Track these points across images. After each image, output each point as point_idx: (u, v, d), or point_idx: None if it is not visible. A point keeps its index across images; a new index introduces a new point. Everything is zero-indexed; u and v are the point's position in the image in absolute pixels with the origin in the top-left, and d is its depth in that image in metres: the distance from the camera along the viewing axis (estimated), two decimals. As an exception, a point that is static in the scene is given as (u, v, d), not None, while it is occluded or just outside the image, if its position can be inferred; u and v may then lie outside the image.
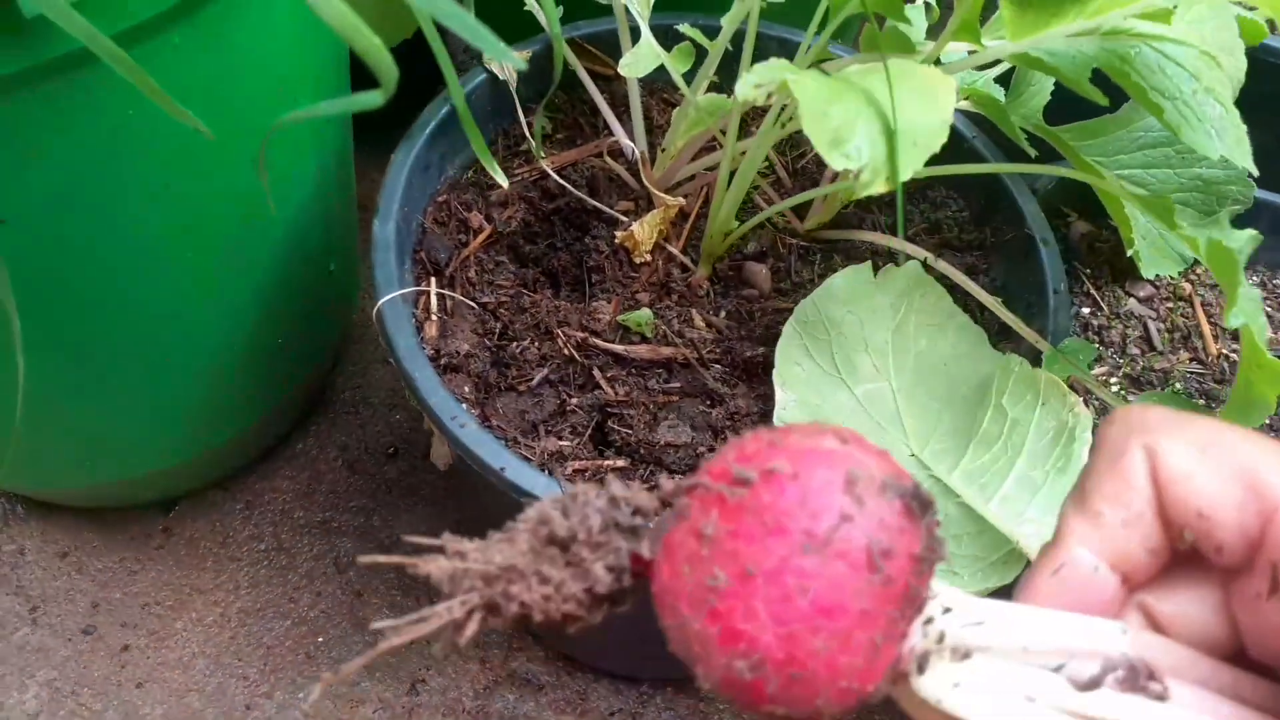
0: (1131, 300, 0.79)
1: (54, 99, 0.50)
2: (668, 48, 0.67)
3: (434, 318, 0.64)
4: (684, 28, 0.67)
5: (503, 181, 0.64)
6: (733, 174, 0.64)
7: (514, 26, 0.74)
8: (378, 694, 0.84)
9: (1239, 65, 0.60)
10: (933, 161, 0.47)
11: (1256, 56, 0.62)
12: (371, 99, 0.33)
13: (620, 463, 0.59)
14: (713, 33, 0.66)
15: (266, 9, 0.58)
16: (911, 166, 0.46)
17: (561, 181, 0.70)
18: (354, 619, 0.87)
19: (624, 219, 0.69)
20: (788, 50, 0.76)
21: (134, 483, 0.85)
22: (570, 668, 0.86)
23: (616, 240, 0.67)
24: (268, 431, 0.92)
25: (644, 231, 0.66)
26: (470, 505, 0.80)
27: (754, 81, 0.45)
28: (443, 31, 1.29)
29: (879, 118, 0.46)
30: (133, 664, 0.84)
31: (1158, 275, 0.75)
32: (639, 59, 0.63)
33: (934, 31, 0.66)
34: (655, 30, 0.67)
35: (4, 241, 0.54)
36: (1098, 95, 0.56)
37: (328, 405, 0.99)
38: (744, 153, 0.64)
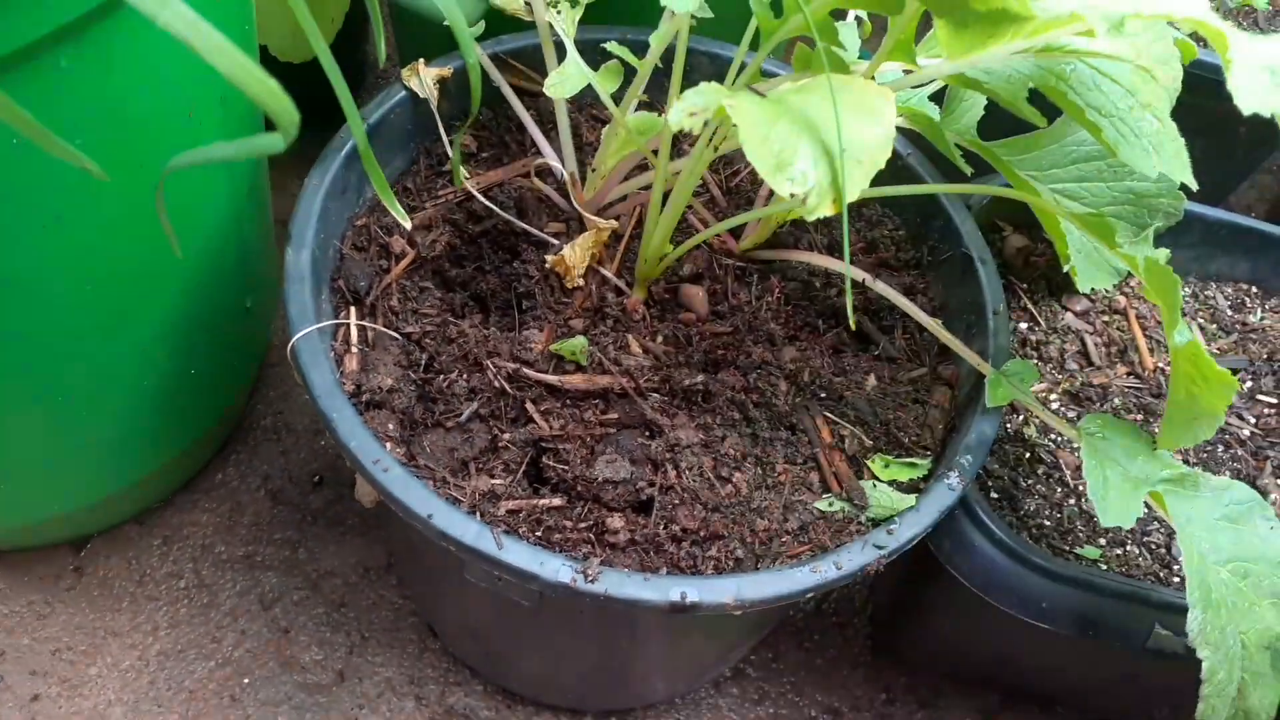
0: (1068, 314, 0.78)
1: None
2: (595, 64, 0.64)
3: (354, 350, 0.61)
4: (611, 45, 0.65)
5: (405, 224, 0.61)
6: (666, 195, 0.62)
7: (437, 40, 0.71)
8: (308, 737, 0.80)
9: (1175, 77, 0.59)
10: (873, 181, 0.46)
11: (1186, 71, 0.61)
12: (272, 142, 0.30)
13: (556, 501, 0.57)
14: (641, 49, 0.63)
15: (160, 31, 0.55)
16: (858, 186, 0.44)
17: (488, 204, 0.67)
18: (281, 658, 0.83)
19: (554, 241, 0.67)
20: (718, 66, 0.74)
21: (47, 523, 0.80)
22: (510, 700, 0.83)
23: (547, 265, 0.64)
24: (184, 465, 0.88)
25: (575, 255, 0.64)
26: (399, 541, 0.77)
27: (687, 109, 0.43)
28: (358, 41, 1.24)
29: (819, 139, 0.44)
30: (43, 715, 0.79)
31: (1093, 289, 0.75)
32: (565, 79, 0.61)
33: (867, 45, 0.65)
34: (582, 46, 0.65)
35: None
36: (1036, 117, 0.55)
37: (248, 433, 0.95)
38: (677, 173, 0.61)
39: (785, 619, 0.91)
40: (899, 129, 0.68)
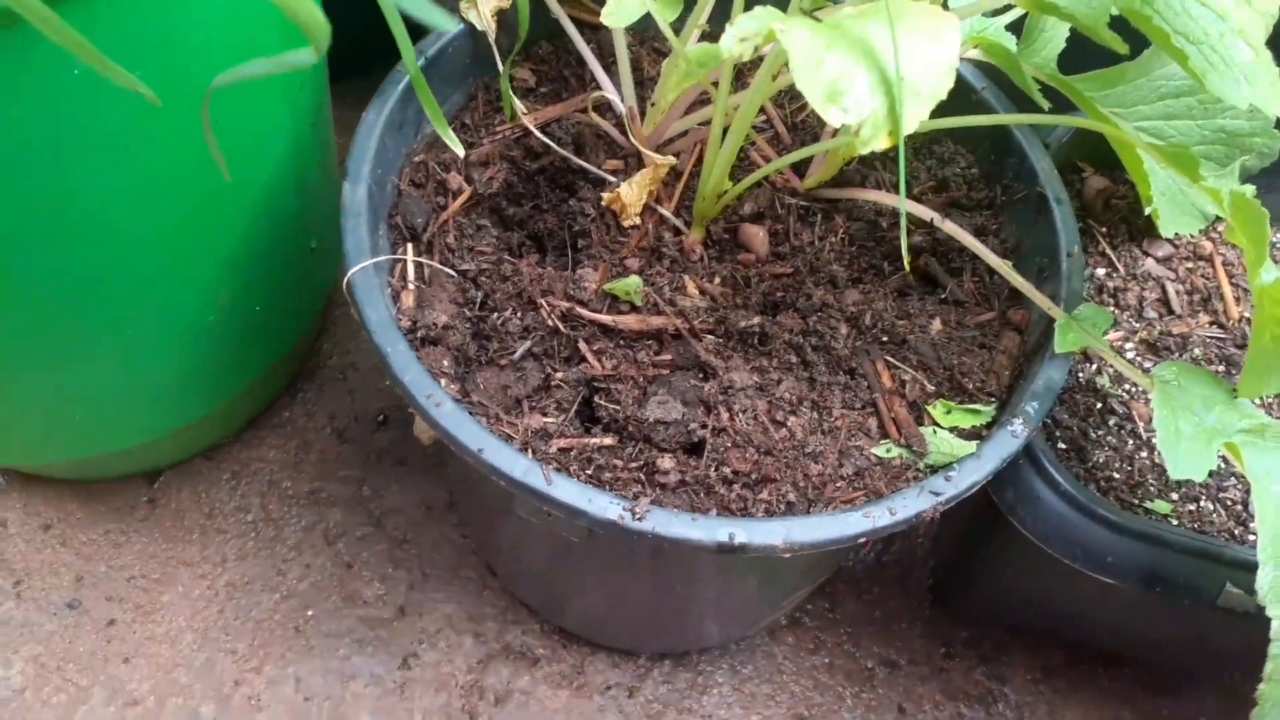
0: (1149, 260, 0.75)
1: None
2: (656, -5, 0.62)
3: (411, 287, 0.61)
4: (673, -28, 0.63)
5: (458, 151, 0.60)
6: (726, 130, 0.60)
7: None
8: (369, 669, 0.82)
9: (1272, 1, 0.55)
10: (939, 113, 0.44)
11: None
12: (305, 56, 0.30)
13: (608, 440, 0.56)
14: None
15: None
16: (916, 118, 0.42)
17: (545, 139, 0.66)
18: (344, 592, 0.85)
19: (612, 179, 0.66)
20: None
21: (116, 456, 0.83)
22: (567, 640, 0.84)
23: (603, 202, 0.63)
24: (252, 402, 0.90)
25: (632, 193, 0.62)
26: (457, 478, 0.77)
27: (738, 35, 0.41)
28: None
29: (877, 67, 0.42)
30: (119, 639, 0.83)
31: (1177, 234, 0.71)
32: (623, 7, 0.59)
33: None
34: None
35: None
36: (1118, 43, 0.51)
37: (315, 372, 0.96)
38: (738, 107, 0.60)
39: (844, 570, 0.90)
40: (973, 61, 0.66)
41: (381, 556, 0.87)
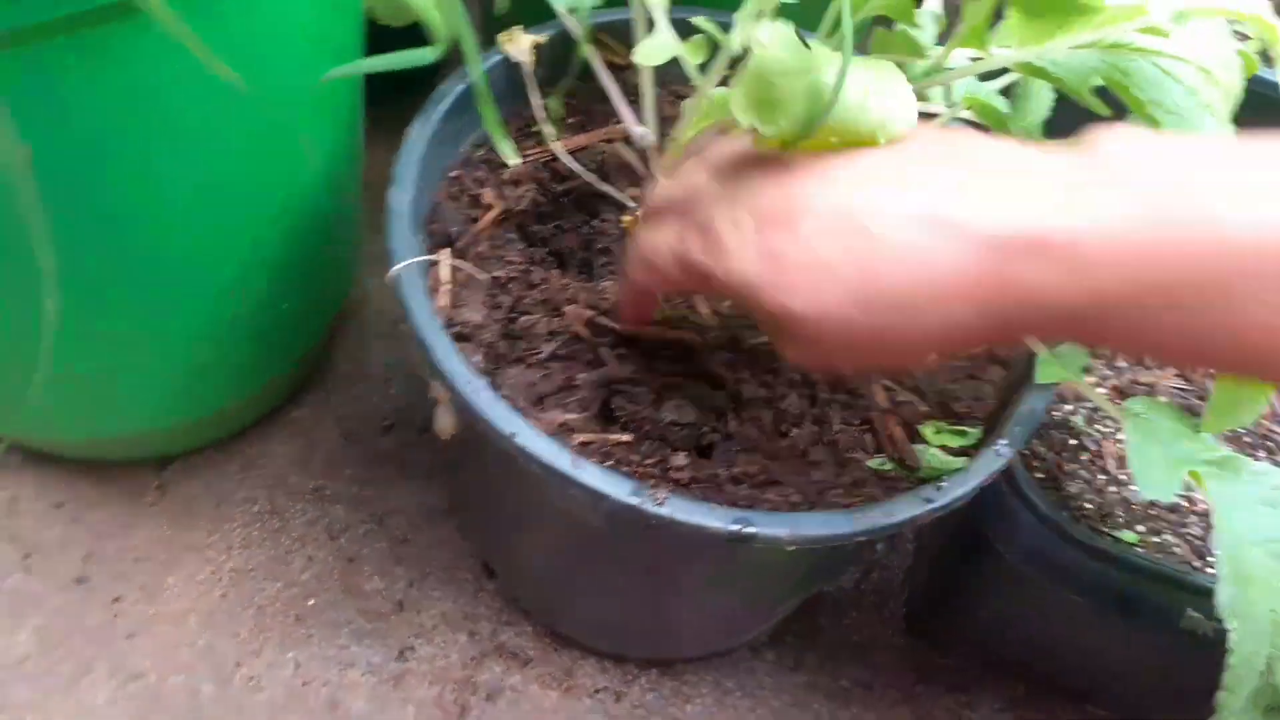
0: (1124, 313, 0.81)
1: (91, 47, 0.51)
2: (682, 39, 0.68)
3: (445, 288, 0.65)
4: (699, 20, 0.68)
5: (514, 159, 0.65)
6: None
7: (529, 8, 0.75)
8: (367, 658, 0.85)
9: (1235, 80, 0.62)
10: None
11: (1247, 88, 0.64)
12: (422, 55, 0.35)
13: (625, 437, 0.61)
14: (727, 28, 0.67)
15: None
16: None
17: (573, 163, 0.71)
18: (345, 584, 0.88)
19: (632, 204, 0.71)
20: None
21: (135, 439, 0.86)
22: (558, 644, 0.87)
23: (623, 223, 0.68)
24: (268, 398, 0.93)
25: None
26: (467, 477, 0.81)
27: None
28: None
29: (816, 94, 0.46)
30: (124, 615, 0.85)
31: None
32: (656, 47, 0.65)
33: (941, 40, 0.68)
34: (671, 23, 0.69)
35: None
36: (1100, 106, 0.57)
37: (325, 376, 1.00)
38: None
39: (824, 595, 0.94)
40: (966, 121, 0.72)
41: (382, 553, 0.90)
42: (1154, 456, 0.56)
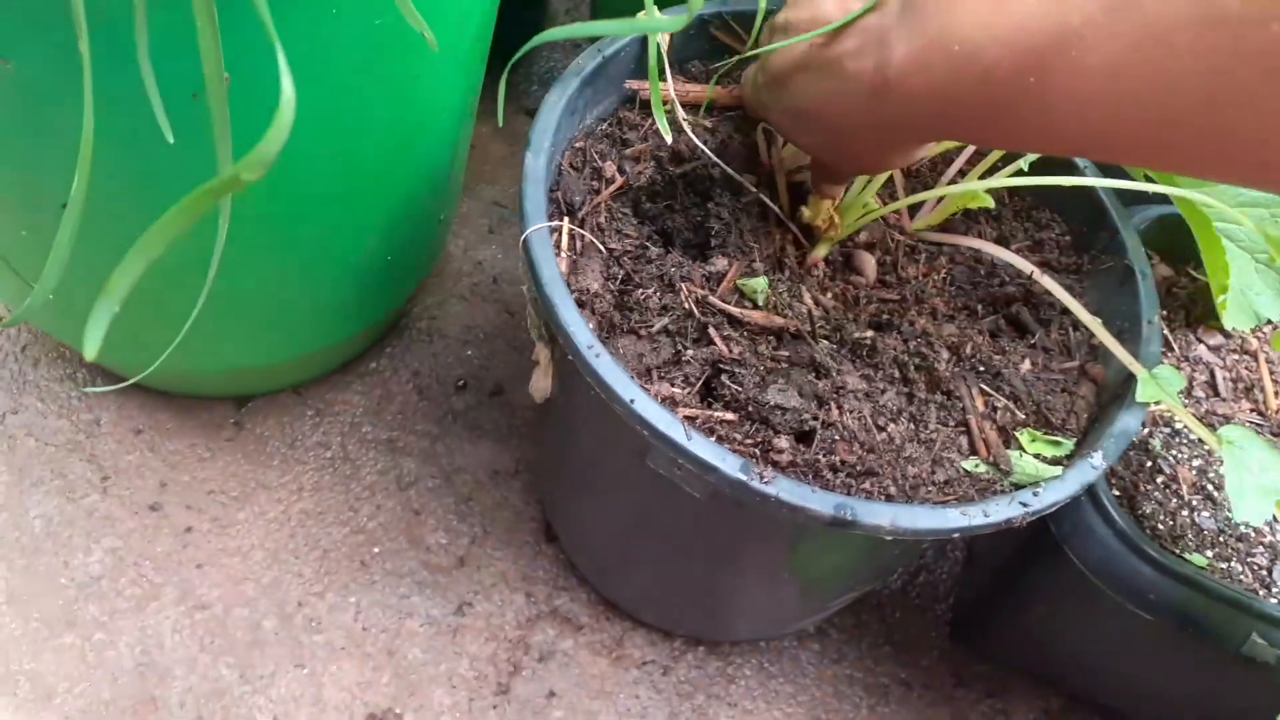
0: (1201, 347, 0.83)
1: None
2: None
3: (564, 255, 0.67)
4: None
5: (668, 138, 0.67)
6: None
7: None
8: (426, 610, 0.87)
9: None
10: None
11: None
12: (676, 22, 0.36)
13: (729, 415, 0.63)
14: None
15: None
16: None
17: (698, 142, 0.73)
18: (410, 535, 0.90)
19: (752, 190, 0.73)
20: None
21: (222, 374, 0.88)
22: (610, 613, 0.89)
23: (804, 218, 0.71)
24: (351, 347, 0.95)
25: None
26: (552, 440, 0.83)
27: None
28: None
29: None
30: (194, 545, 0.87)
31: (1234, 328, 0.79)
32: None
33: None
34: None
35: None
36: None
37: (404, 331, 1.02)
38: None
39: (871, 594, 0.96)
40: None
41: (448, 509, 0.92)
42: (1248, 483, 0.58)
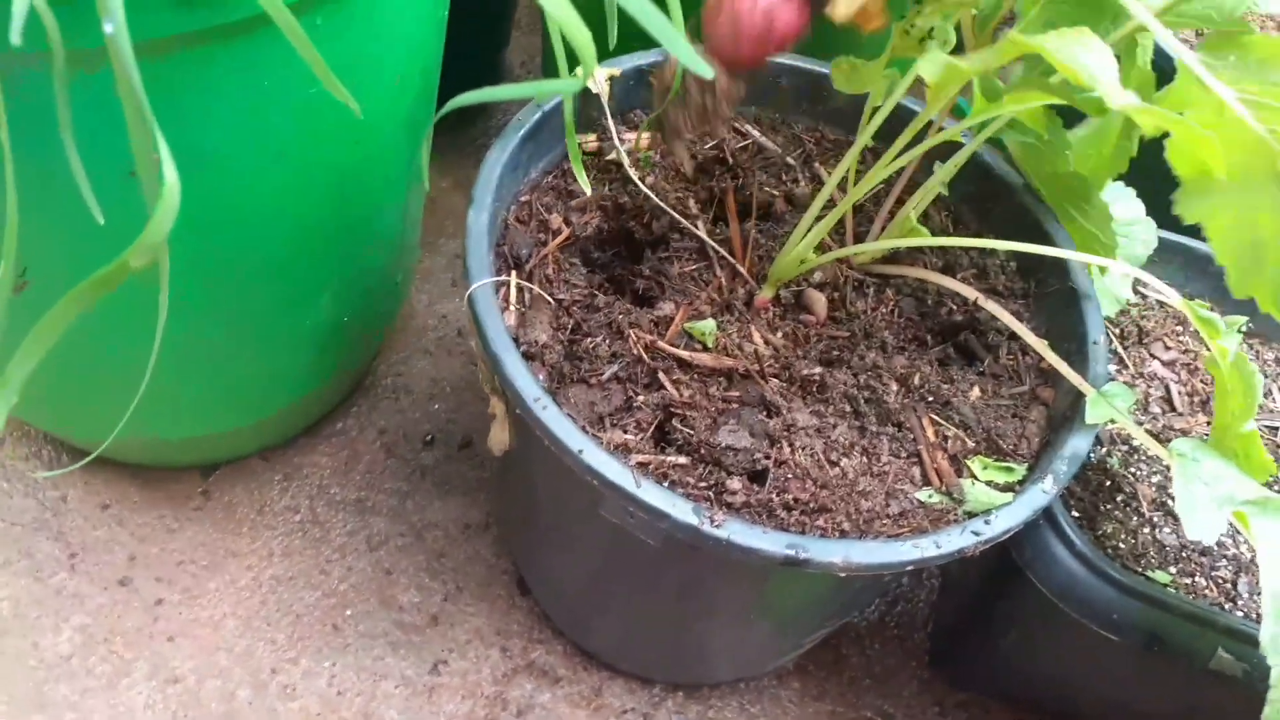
0: (1155, 363, 0.83)
1: (207, 60, 0.54)
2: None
3: (513, 308, 0.68)
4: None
5: (588, 191, 0.68)
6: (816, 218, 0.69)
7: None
8: (400, 671, 0.86)
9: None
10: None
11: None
12: (573, 84, 0.37)
13: (682, 460, 0.63)
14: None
15: (391, 5, 0.63)
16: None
17: (649, 193, 0.74)
18: (382, 596, 0.90)
19: (697, 233, 0.74)
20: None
21: (184, 443, 0.88)
22: (588, 663, 0.89)
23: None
24: (314, 408, 0.95)
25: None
26: (514, 492, 0.83)
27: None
28: (498, 49, 1.33)
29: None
30: (165, 618, 0.87)
31: (1183, 346, 0.81)
32: None
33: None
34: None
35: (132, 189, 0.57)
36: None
37: (370, 389, 1.02)
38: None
39: (849, 626, 0.95)
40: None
41: (419, 566, 0.92)
42: (1199, 498, 0.58)
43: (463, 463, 0.98)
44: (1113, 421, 0.64)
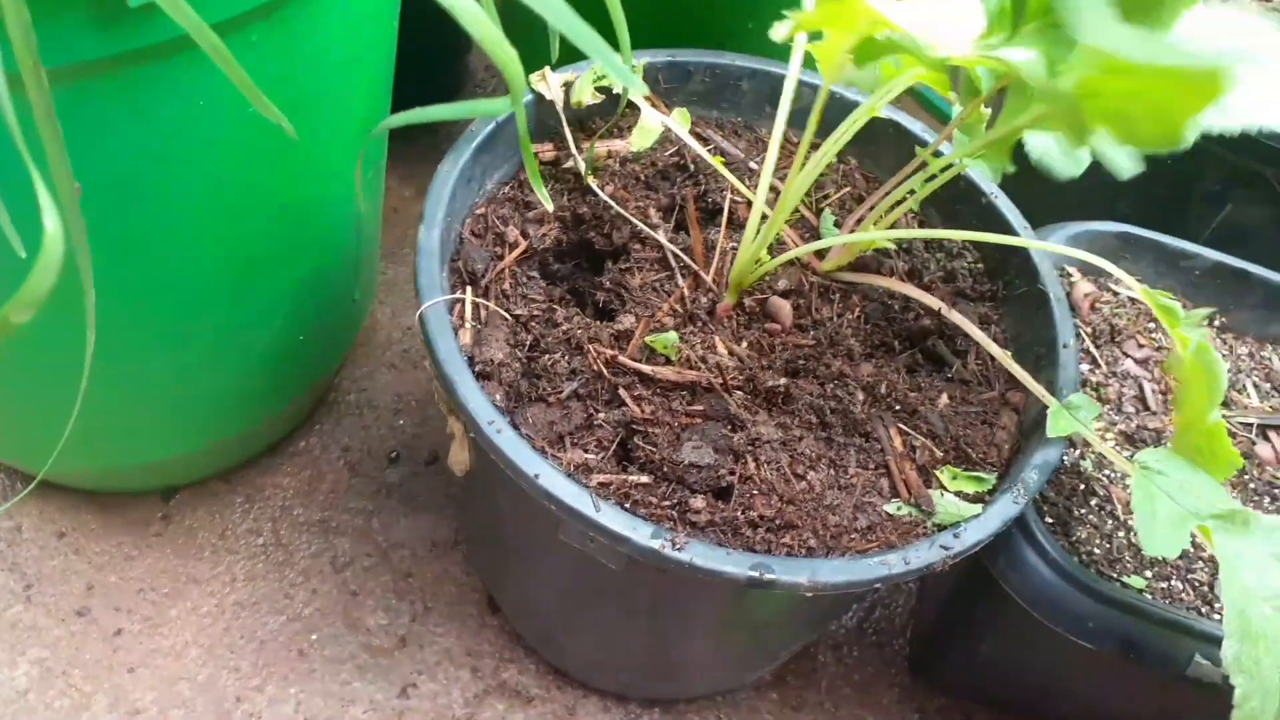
0: (1128, 361, 0.82)
1: (132, 84, 0.52)
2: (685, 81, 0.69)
3: (469, 325, 0.66)
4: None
5: (549, 206, 0.67)
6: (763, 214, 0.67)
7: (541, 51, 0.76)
8: (369, 695, 0.84)
9: None
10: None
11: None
12: (499, 106, 0.36)
13: (644, 479, 0.61)
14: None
15: (331, 18, 0.61)
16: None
17: (610, 201, 0.72)
18: (348, 619, 0.88)
19: (662, 239, 0.72)
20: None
21: (141, 468, 0.86)
22: (561, 682, 0.87)
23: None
24: (276, 428, 0.93)
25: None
26: (478, 512, 0.81)
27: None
28: (460, 54, 1.32)
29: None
30: (125, 648, 0.84)
31: (1156, 343, 0.79)
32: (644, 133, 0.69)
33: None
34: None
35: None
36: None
37: (333, 406, 1.00)
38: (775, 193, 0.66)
39: (826, 634, 0.94)
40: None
41: (386, 588, 0.90)
42: (1159, 512, 0.57)
43: (429, 479, 0.96)
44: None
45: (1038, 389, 0.65)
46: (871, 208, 0.73)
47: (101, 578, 0.88)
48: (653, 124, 0.75)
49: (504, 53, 0.34)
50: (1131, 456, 0.63)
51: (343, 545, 0.92)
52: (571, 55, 0.75)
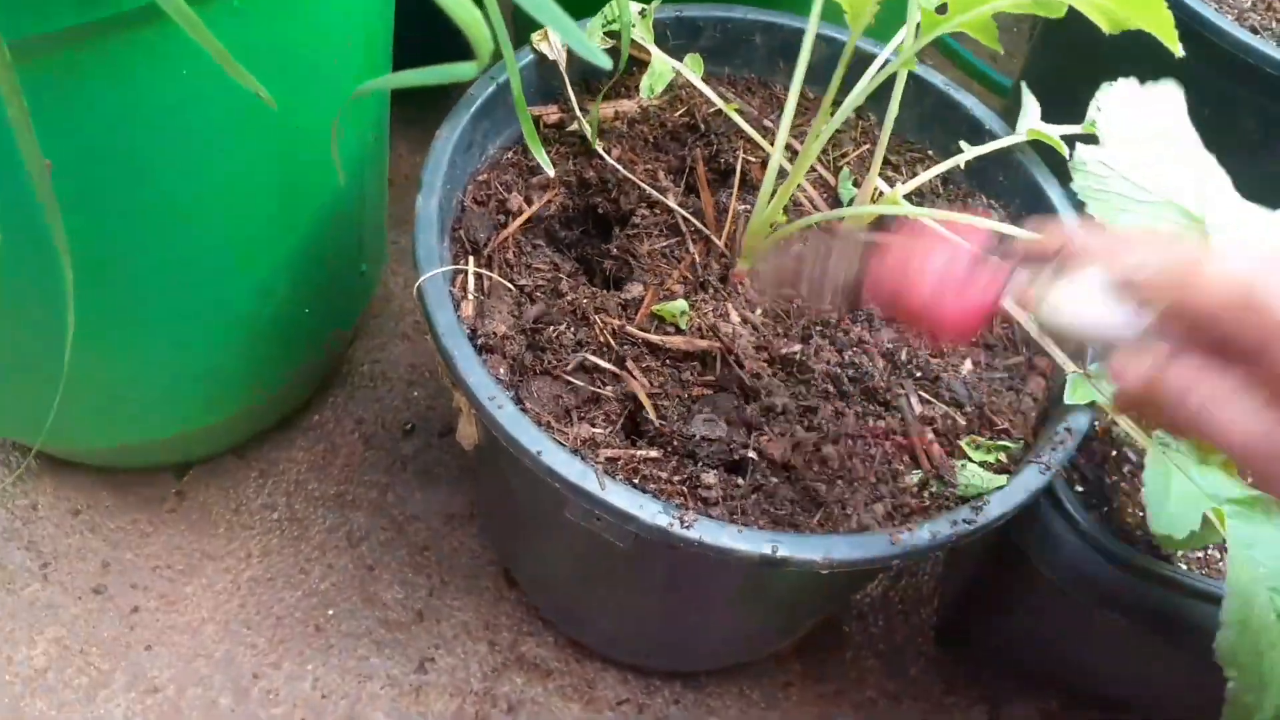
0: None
1: (112, 54, 0.50)
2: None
3: (471, 297, 0.64)
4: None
5: (550, 171, 0.64)
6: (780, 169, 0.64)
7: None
8: (386, 670, 0.84)
9: None
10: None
11: None
12: (466, 69, 0.33)
13: (653, 453, 0.59)
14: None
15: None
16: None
17: (617, 165, 0.69)
18: (364, 594, 0.87)
19: (674, 205, 0.69)
20: (833, 49, 0.76)
21: (153, 444, 0.85)
22: (580, 654, 0.86)
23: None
24: (287, 401, 0.92)
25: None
26: (490, 486, 0.80)
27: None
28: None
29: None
30: (142, 626, 0.84)
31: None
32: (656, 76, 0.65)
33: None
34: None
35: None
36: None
37: (346, 378, 0.99)
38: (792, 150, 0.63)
39: (852, 603, 0.92)
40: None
41: (402, 562, 0.89)
42: (1173, 490, 0.54)
43: (444, 451, 0.95)
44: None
45: (1059, 354, 0.62)
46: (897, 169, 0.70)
47: (117, 555, 0.87)
48: (663, 68, 0.72)
49: (466, 12, 0.31)
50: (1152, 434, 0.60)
51: (358, 519, 0.91)
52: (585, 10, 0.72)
